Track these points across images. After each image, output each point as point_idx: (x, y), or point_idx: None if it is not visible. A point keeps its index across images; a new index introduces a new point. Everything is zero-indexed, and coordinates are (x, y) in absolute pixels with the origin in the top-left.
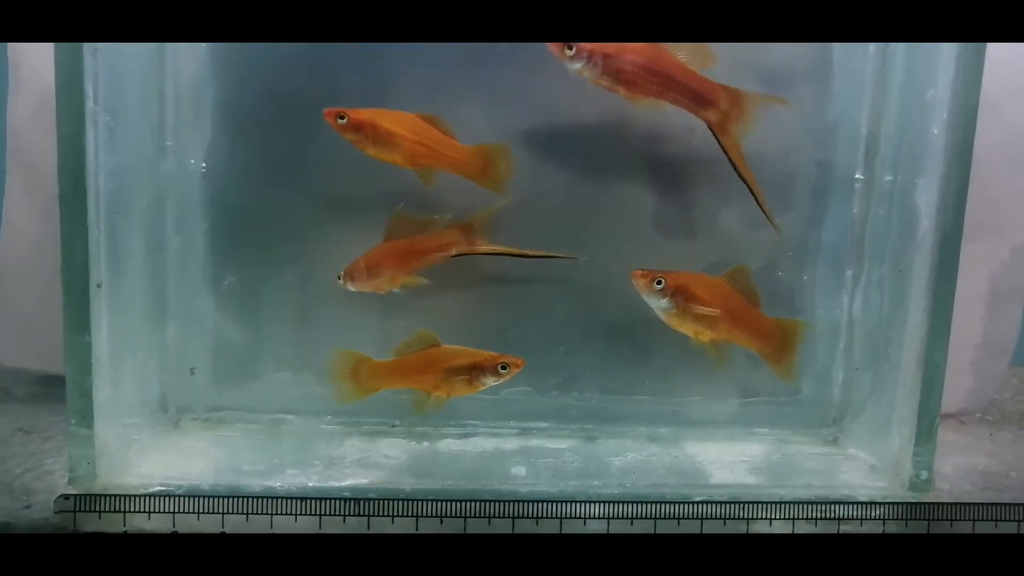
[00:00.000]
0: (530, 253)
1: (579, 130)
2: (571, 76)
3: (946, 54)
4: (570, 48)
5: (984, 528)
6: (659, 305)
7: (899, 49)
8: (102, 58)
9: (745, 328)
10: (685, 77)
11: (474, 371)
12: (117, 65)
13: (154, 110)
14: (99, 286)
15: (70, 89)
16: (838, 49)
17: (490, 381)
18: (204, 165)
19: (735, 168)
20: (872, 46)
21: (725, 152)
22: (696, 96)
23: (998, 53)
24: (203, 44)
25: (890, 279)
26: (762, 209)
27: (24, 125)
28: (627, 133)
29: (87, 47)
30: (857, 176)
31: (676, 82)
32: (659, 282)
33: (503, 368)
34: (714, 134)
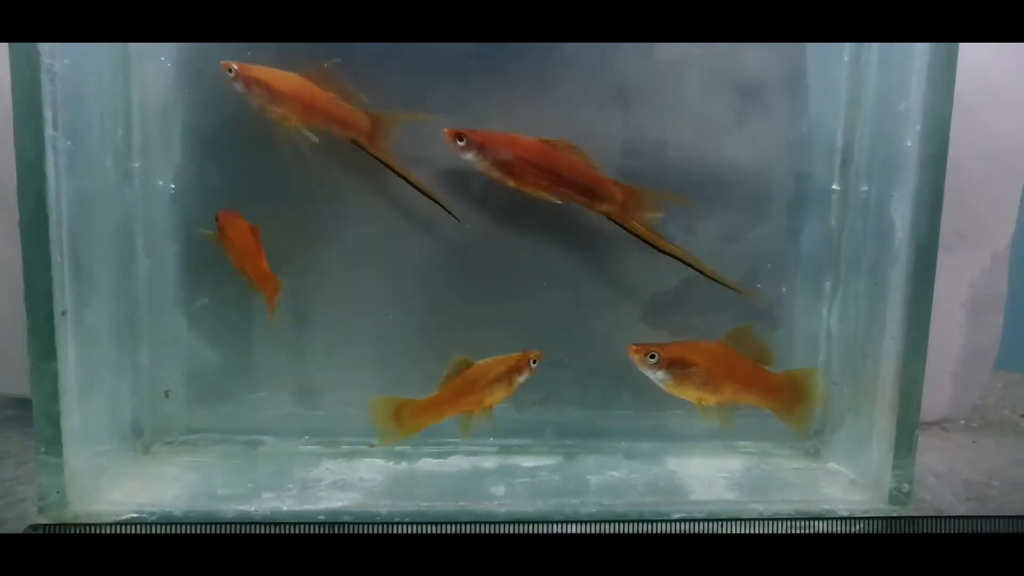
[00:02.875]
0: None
1: None
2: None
3: (918, 66)
4: (461, 139)
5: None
6: (656, 377)
7: (872, 60)
8: (60, 83)
9: (751, 388)
10: (575, 174)
11: (512, 374)
12: (77, 88)
13: (118, 132)
14: (64, 313)
15: (27, 116)
16: (812, 59)
17: (524, 377)
18: (173, 186)
19: (657, 248)
20: (846, 55)
21: (636, 235)
22: (589, 192)
23: (978, 62)
24: (170, 64)
25: (866, 292)
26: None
27: None
28: (602, 146)
29: (44, 71)
30: (834, 187)
31: (565, 179)
32: (652, 356)
33: (534, 362)
34: (615, 222)
